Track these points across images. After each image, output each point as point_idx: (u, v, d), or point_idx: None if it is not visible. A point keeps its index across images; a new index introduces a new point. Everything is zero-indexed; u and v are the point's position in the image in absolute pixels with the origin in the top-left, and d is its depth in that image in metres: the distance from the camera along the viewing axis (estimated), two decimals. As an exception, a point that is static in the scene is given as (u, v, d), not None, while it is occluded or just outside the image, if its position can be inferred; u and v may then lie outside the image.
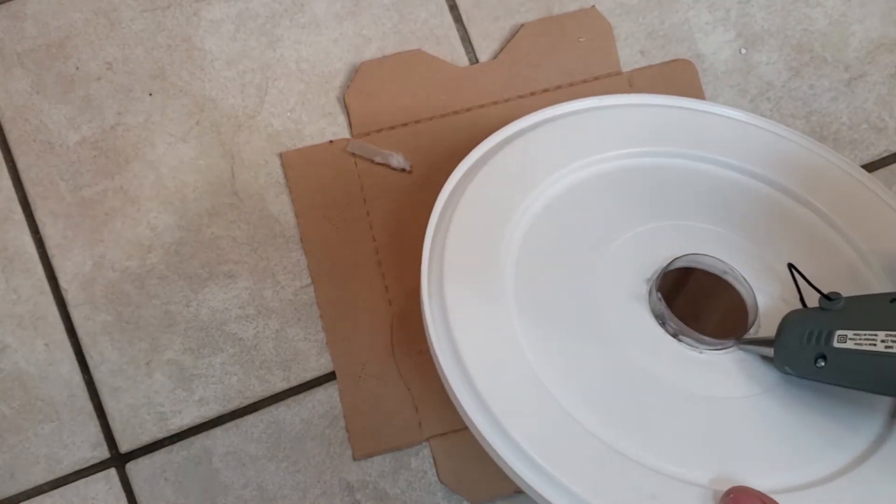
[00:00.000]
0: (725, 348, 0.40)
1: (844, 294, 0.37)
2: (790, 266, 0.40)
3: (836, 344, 0.35)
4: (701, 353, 0.40)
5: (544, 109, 0.47)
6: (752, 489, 0.34)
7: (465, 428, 0.47)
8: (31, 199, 0.49)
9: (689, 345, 0.40)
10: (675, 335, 0.41)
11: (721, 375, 0.40)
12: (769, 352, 0.39)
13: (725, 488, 0.35)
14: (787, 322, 0.38)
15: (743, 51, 0.53)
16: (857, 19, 0.54)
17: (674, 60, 0.53)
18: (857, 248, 0.45)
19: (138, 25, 0.51)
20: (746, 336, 0.41)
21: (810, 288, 0.39)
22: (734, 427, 0.39)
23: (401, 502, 0.47)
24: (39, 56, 0.51)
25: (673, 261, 0.42)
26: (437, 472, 0.47)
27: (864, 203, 0.46)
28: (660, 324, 0.41)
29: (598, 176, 0.46)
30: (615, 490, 0.36)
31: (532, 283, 0.42)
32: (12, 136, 0.50)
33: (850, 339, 0.35)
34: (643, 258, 0.43)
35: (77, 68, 0.51)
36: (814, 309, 0.38)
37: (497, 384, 0.38)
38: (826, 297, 0.37)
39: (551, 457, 0.36)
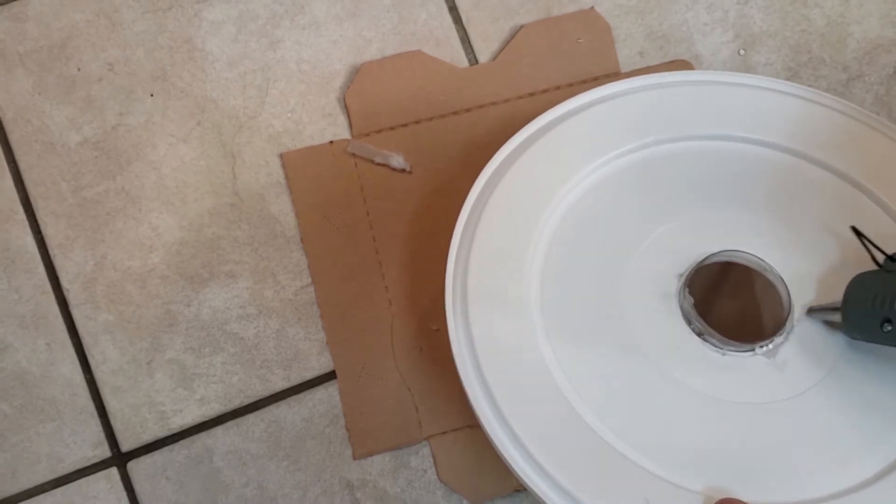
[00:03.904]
0: (749, 351, 0.39)
1: None
2: (854, 229, 0.39)
3: None
4: (724, 354, 0.39)
5: (573, 98, 0.46)
6: (741, 502, 0.34)
7: (465, 427, 0.48)
8: (32, 200, 0.50)
9: (712, 346, 0.39)
10: (699, 334, 0.40)
11: (741, 379, 0.39)
12: (837, 317, 0.38)
13: (717, 497, 0.35)
14: (853, 287, 0.37)
15: (742, 52, 0.53)
16: (854, 20, 0.54)
17: (673, 61, 0.53)
18: None
19: (140, 27, 0.52)
20: (815, 306, 0.40)
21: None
22: (744, 434, 0.38)
23: (401, 501, 0.47)
24: (41, 57, 0.51)
25: (707, 257, 0.41)
26: (436, 471, 0.47)
27: None
28: (686, 322, 0.40)
29: (636, 164, 0.44)
30: (610, 491, 0.36)
31: (559, 278, 0.41)
32: (14, 137, 0.50)
33: None
34: (678, 253, 0.41)
35: (79, 69, 0.51)
36: (879, 271, 0.37)
37: (507, 377, 0.38)
38: (891, 259, 0.36)
39: (553, 455, 0.36)
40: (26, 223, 0.49)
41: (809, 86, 0.53)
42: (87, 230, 0.49)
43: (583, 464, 0.37)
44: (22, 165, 0.50)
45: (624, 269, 0.41)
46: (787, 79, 0.53)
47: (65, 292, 0.49)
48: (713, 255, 0.41)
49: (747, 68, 0.53)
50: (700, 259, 0.41)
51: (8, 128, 0.50)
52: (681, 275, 0.41)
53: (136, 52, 0.51)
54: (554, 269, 0.41)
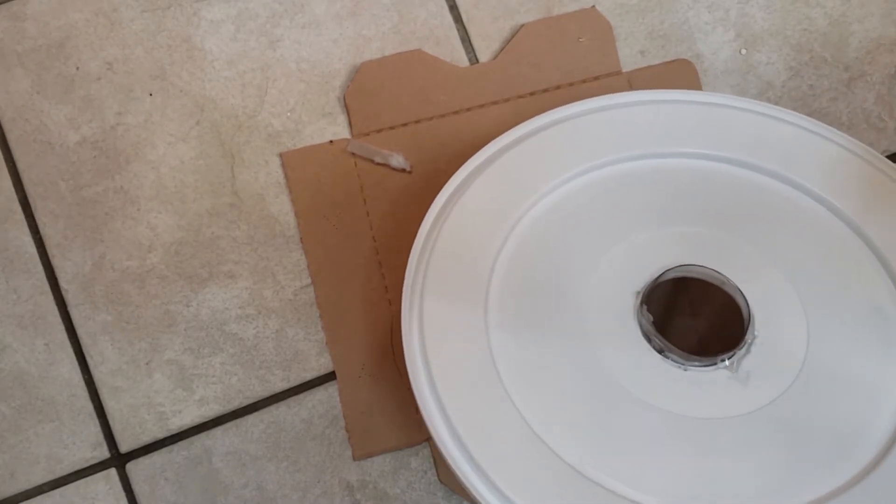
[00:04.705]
0: (711, 366, 0.39)
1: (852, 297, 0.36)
2: None
3: None
4: (686, 370, 0.39)
5: (539, 116, 0.46)
6: None
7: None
8: (31, 199, 0.49)
9: (673, 362, 0.39)
10: (660, 351, 0.39)
11: (704, 395, 0.38)
12: None
13: None
14: None
15: (743, 51, 0.53)
16: (856, 19, 0.54)
17: (674, 60, 0.53)
18: (877, 252, 0.42)
19: (138, 26, 0.51)
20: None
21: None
22: (709, 450, 0.37)
23: (401, 502, 0.47)
24: (40, 56, 0.51)
25: (664, 272, 0.41)
26: (437, 472, 0.47)
27: (890, 201, 0.43)
28: (646, 339, 0.40)
29: (597, 182, 0.44)
30: None
31: (517, 298, 0.41)
32: (13, 137, 0.50)
33: None
34: (637, 269, 0.41)
35: (77, 68, 0.51)
36: None
37: (464, 399, 0.38)
38: None
39: (511, 479, 0.36)
40: (24, 223, 0.49)
41: (810, 86, 0.53)
42: (85, 230, 0.49)
43: (543, 485, 0.36)
44: (20, 165, 0.50)
45: (582, 288, 0.41)
46: (788, 79, 0.53)
47: (63, 292, 0.48)
48: (669, 270, 0.41)
49: (749, 68, 0.53)
50: (656, 275, 0.41)
51: (6, 127, 0.50)
52: (638, 292, 0.41)
53: (134, 51, 0.51)
54: (512, 289, 0.41)
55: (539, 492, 0.36)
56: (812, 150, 0.45)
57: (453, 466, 0.37)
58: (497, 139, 0.46)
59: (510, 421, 0.38)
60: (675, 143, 0.45)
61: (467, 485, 0.37)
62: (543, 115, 0.47)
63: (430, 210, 0.44)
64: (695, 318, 0.45)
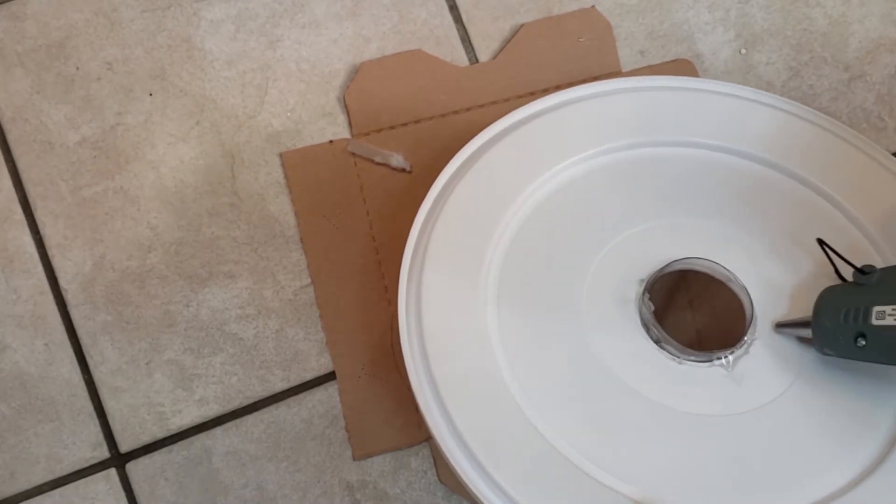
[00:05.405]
0: (706, 362, 0.39)
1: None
2: (820, 241, 0.38)
3: (874, 321, 0.33)
4: (680, 363, 0.39)
5: (542, 99, 0.46)
6: None
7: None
8: (31, 200, 0.49)
9: (669, 354, 0.39)
10: (657, 342, 0.39)
11: (697, 389, 0.38)
12: (807, 332, 0.37)
13: None
14: (823, 301, 0.36)
15: (743, 51, 0.53)
16: (856, 19, 0.54)
17: (674, 60, 0.53)
18: (874, 243, 0.42)
19: (138, 26, 0.51)
20: (784, 321, 0.39)
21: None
22: (697, 446, 0.37)
23: (401, 502, 0.47)
24: (40, 56, 0.51)
25: (669, 263, 0.40)
26: (436, 472, 0.47)
27: (888, 192, 0.42)
28: (644, 329, 0.39)
29: (604, 168, 0.44)
30: (549, 498, 0.35)
31: (518, 280, 0.41)
32: (12, 137, 0.50)
33: (888, 314, 0.33)
34: (641, 258, 0.41)
35: (77, 68, 0.51)
36: (849, 284, 0.36)
37: (454, 373, 0.38)
38: (860, 271, 0.35)
39: (493, 454, 0.36)
40: (25, 223, 0.49)
41: (810, 85, 0.53)
42: (85, 230, 0.49)
43: (524, 467, 0.36)
44: (20, 165, 0.50)
45: (585, 272, 0.41)
46: (789, 79, 0.53)
47: (63, 293, 0.48)
48: (676, 261, 0.40)
49: (749, 68, 0.53)
50: (663, 265, 0.40)
51: (6, 127, 0.50)
52: (642, 280, 0.40)
53: (134, 51, 0.51)
54: (513, 270, 0.41)
55: (527, 477, 0.36)
56: (832, 151, 0.44)
57: (449, 457, 0.37)
58: (501, 119, 0.45)
59: (506, 406, 0.37)
60: (685, 133, 0.44)
61: (457, 469, 0.36)
62: (558, 93, 0.45)
63: (432, 187, 0.43)
64: (696, 312, 0.44)
